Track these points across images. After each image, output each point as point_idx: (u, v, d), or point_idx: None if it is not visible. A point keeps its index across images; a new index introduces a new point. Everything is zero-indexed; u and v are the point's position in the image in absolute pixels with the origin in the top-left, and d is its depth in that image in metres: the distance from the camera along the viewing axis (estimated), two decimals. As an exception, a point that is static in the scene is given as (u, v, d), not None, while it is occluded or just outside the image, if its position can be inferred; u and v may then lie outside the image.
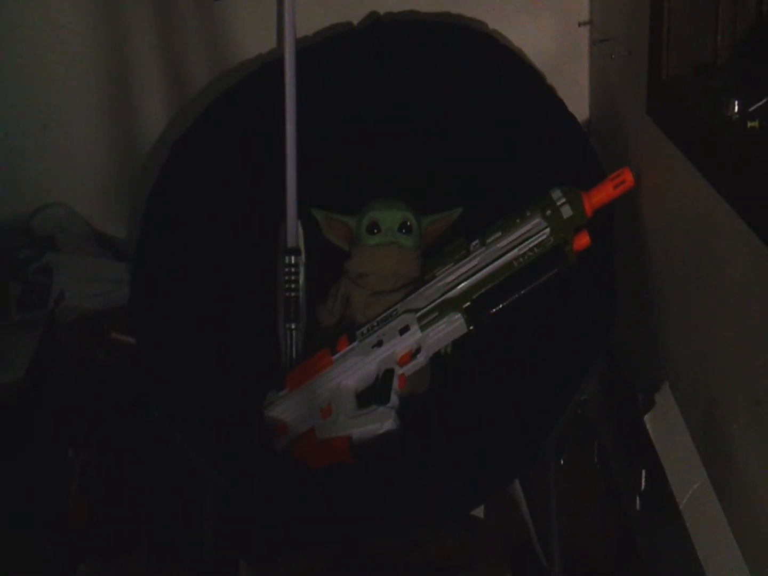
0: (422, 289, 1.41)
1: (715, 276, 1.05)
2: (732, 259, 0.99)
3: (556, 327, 1.35)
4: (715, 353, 1.07)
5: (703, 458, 1.12)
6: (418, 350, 1.37)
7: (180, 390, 1.34)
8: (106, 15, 1.63)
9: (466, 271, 1.38)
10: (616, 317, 1.33)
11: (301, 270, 1.49)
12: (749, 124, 0.97)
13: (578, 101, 1.64)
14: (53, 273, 1.62)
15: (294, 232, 1.49)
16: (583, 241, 1.32)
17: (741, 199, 0.93)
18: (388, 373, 1.36)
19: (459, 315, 1.36)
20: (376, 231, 1.49)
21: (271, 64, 1.53)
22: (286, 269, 1.48)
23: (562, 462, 1.53)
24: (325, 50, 1.56)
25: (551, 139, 1.46)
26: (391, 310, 1.41)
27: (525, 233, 1.35)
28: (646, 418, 1.26)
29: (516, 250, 1.35)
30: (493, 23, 1.63)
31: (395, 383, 1.34)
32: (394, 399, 1.33)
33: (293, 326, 1.47)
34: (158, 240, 1.46)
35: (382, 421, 1.30)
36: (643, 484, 1.32)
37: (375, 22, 1.60)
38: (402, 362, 1.37)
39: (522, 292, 1.34)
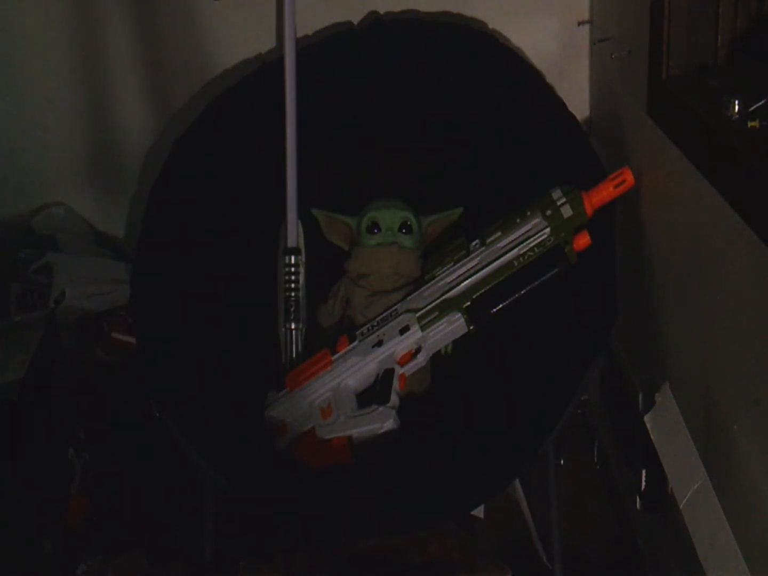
0: (422, 288, 1.41)
1: (715, 276, 1.05)
2: (732, 259, 0.99)
3: (556, 327, 1.35)
4: (715, 353, 1.07)
5: (704, 458, 1.12)
6: (418, 350, 1.37)
7: (180, 390, 1.35)
8: (106, 15, 1.63)
9: (466, 271, 1.38)
10: (616, 317, 1.34)
11: (302, 270, 1.49)
12: (749, 124, 0.96)
13: (578, 101, 1.64)
14: (53, 273, 1.62)
15: (294, 232, 1.49)
16: (583, 240, 1.32)
17: (741, 198, 0.93)
18: (389, 373, 1.36)
19: (459, 315, 1.36)
20: (376, 231, 1.49)
21: (271, 64, 1.53)
22: (287, 269, 1.48)
23: (562, 462, 1.53)
24: (326, 50, 1.56)
25: (551, 138, 1.45)
26: (391, 310, 1.41)
27: (525, 233, 1.35)
28: (646, 418, 1.26)
29: (516, 249, 1.35)
30: (493, 23, 1.63)
31: (395, 383, 1.34)
32: (394, 399, 1.33)
33: (293, 326, 1.47)
34: (159, 240, 1.46)
35: (382, 421, 1.30)
36: (643, 484, 1.32)
37: (375, 21, 1.60)
38: (402, 362, 1.37)
39: (522, 291, 1.34)
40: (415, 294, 1.41)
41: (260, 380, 1.41)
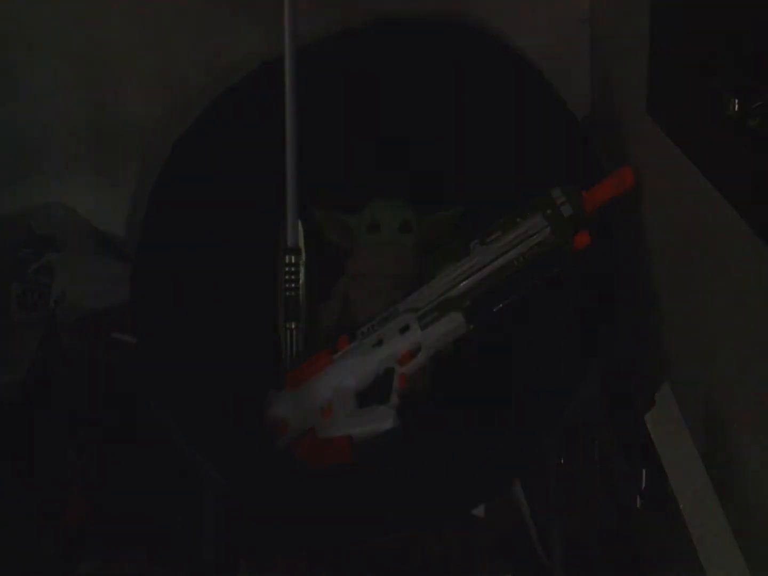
0: (422, 288, 1.40)
1: (715, 275, 1.05)
2: (732, 259, 0.99)
3: (556, 326, 1.35)
4: (715, 353, 1.07)
5: (704, 458, 1.12)
6: (418, 349, 1.37)
7: (180, 389, 1.35)
8: (106, 14, 1.63)
9: (466, 271, 1.37)
10: (617, 317, 1.33)
11: (301, 269, 1.49)
12: (750, 124, 0.96)
13: (578, 99, 1.64)
14: (54, 273, 1.62)
15: (294, 231, 1.49)
16: (583, 240, 1.32)
17: (741, 198, 0.93)
18: (389, 373, 1.36)
19: (459, 314, 1.36)
20: (376, 230, 1.49)
21: (271, 63, 1.53)
22: (286, 269, 1.48)
23: (562, 462, 1.52)
24: (326, 49, 1.56)
25: (551, 137, 1.45)
26: (391, 309, 1.41)
27: (525, 232, 1.35)
28: (647, 418, 1.26)
29: (516, 249, 1.35)
30: (493, 22, 1.62)
31: (396, 382, 1.34)
32: (394, 398, 1.33)
33: (293, 326, 1.47)
34: (159, 240, 1.46)
35: (382, 421, 1.30)
36: (644, 484, 1.32)
37: (375, 21, 1.60)
38: (402, 361, 1.37)
39: (522, 291, 1.34)
40: (415, 293, 1.41)
41: (260, 380, 1.41)
